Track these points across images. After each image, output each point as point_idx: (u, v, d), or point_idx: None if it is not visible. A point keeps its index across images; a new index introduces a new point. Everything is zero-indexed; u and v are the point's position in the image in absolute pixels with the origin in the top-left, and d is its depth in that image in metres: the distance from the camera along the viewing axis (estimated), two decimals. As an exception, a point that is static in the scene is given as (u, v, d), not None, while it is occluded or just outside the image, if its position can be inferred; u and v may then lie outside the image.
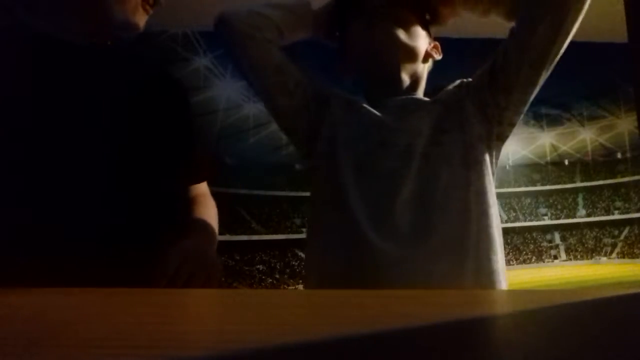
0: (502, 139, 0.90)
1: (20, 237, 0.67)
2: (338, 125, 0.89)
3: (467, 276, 0.78)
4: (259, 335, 0.31)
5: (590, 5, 0.80)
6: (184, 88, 0.95)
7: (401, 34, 0.92)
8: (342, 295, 0.52)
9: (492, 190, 0.85)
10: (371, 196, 0.80)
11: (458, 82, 0.94)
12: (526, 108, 0.88)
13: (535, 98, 0.91)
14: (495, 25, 0.94)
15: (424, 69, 0.99)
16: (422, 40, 0.96)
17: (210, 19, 0.91)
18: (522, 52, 0.82)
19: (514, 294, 0.66)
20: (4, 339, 0.31)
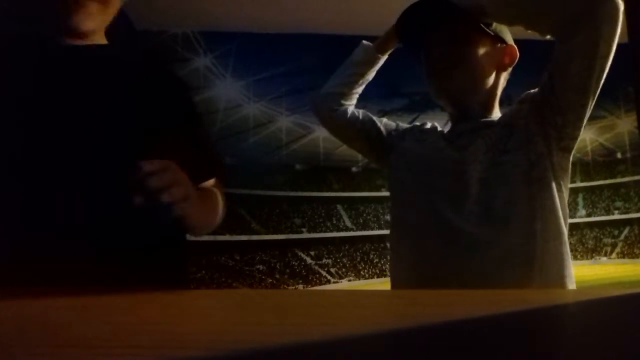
0: (567, 150, 0.90)
1: (20, 237, 0.67)
2: (409, 154, 1.01)
3: (534, 284, 0.82)
4: (259, 335, 0.31)
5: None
6: (184, 84, 0.94)
7: (462, 75, 0.94)
8: (342, 295, 0.52)
9: (558, 202, 0.87)
10: (439, 215, 0.89)
11: (524, 95, 0.95)
12: (585, 122, 0.88)
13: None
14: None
15: (498, 81, 0.99)
16: (487, 61, 0.95)
17: (210, 19, 0.92)
18: (564, 79, 0.83)
19: (513, 294, 0.66)
20: (4, 339, 0.31)
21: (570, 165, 0.92)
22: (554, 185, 0.87)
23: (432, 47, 0.97)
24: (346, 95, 1.13)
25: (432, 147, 0.98)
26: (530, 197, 0.86)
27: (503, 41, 0.97)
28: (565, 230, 0.88)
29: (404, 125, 1.12)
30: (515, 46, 0.99)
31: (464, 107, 0.98)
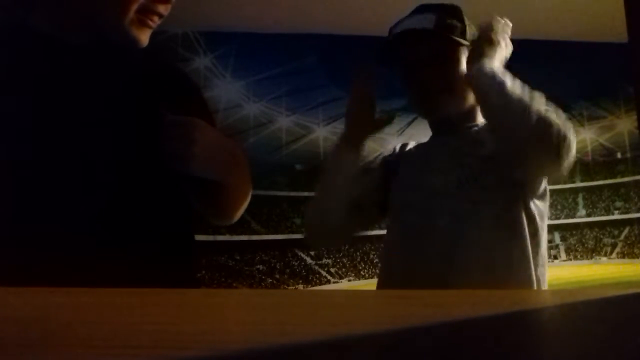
0: (542, 197, 0.92)
1: (20, 237, 0.67)
2: (405, 177, 1.01)
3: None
4: (259, 335, 0.31)
5: (590, 5, 0.80)
6: (192, 82, 0.94)
7: (437, 82, 0.95)
8: (342, 295, 0.52)
9: (529, 250, 0.85)
10: (407, 247, 0.93)
11: None
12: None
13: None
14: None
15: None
16: (463, 66, 0.96)
17: (210, 19, 0.92)
18: (530, 165, 0.87)
19: (513, 294, 0.66)
20: (4, 339, 0.31)
21: (547, 208, 0.92)
22: (526, 232, 0.86)
23: (418, 68, 0.96)
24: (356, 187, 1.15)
25: (416, 164, 1.01)
26: (495, 243, 0.85)
27: None
28: (535, 279, 0.85)
29: (387, 154, 1.10)
30: None
31: (440, 118, 1.00)
